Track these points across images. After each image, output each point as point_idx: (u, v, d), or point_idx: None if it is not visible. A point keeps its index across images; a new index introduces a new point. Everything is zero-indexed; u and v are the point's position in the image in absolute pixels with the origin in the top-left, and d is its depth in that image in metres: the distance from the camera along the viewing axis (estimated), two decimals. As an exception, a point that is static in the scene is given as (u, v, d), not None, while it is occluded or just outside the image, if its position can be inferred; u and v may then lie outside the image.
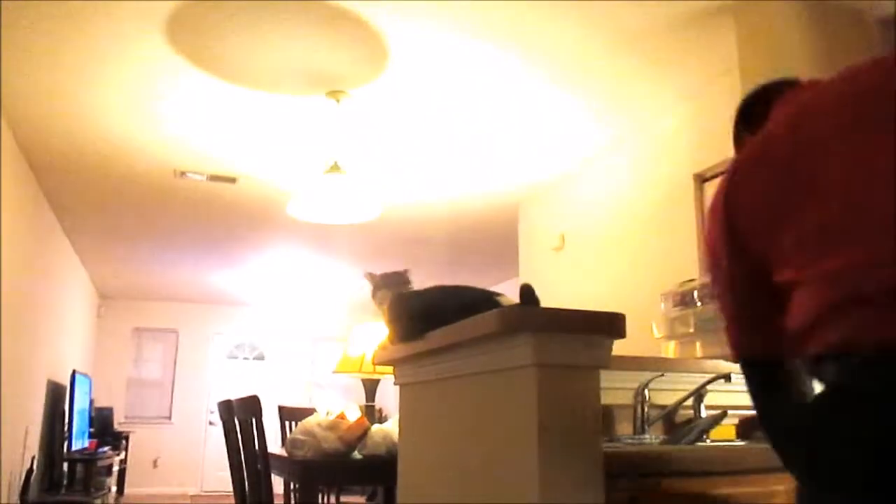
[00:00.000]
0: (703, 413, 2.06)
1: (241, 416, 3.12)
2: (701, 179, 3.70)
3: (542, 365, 1.32)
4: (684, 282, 2.51)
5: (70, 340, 7.63)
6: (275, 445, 3.37)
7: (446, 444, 1.68)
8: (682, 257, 3.72)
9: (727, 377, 1.99)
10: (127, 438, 8.98)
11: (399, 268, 2.04)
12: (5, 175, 4.38)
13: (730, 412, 2.00)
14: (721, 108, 3.55)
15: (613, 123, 4.15)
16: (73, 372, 6.76)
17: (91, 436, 7.56)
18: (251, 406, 2.91)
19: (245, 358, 10.92)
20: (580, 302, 3.96)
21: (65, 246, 6.84)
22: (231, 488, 3.45)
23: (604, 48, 3.32)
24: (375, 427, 2.99)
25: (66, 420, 6.52)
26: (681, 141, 3.84)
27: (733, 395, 2.23)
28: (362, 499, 6.42)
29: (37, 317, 5.78)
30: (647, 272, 4.02)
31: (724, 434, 2.06)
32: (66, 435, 6.43)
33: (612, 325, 1.36)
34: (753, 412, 1.25)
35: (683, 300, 2.46)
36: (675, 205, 3.82)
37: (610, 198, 4.47)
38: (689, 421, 2.07)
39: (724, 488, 1.54)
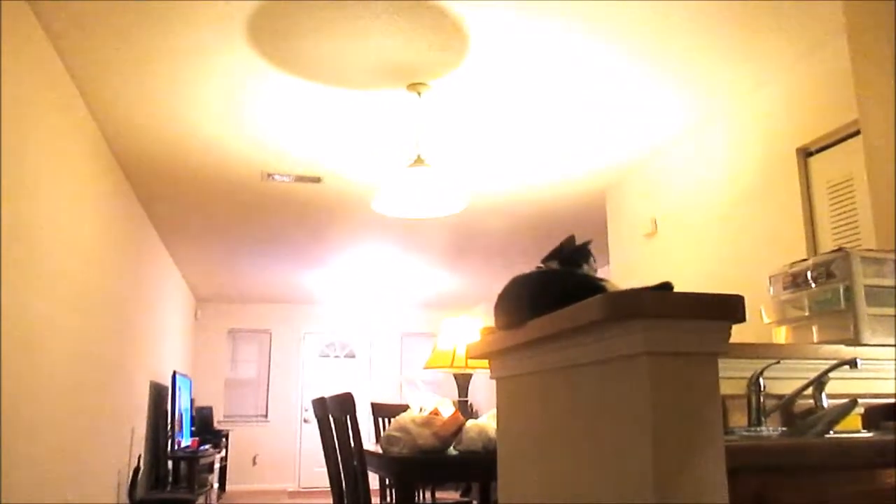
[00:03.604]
0: (825, 402, 1.90)
1: (335, 413, 3.12)
2: (805, 153, 3.48)
3: (655, 353, 1.22)
4: (795, 262, 2.33)
5: (170, 343, 7.91)
6: (368, 442, 3.36)
7: (549, 439, 1.60)
8: (787, 237, 3.51)
9: (853, 363, 1.82)
10: (227, 436, 9.25)
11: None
12: (105, 185, 4.54)
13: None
14: (826, 76, 3.33)
15: (705, 98, 3.95)
16: (174, 373, 6.99)
17: (193, 434, 7.81)
18: (345, 403, 2.90)
19: (336, 356, 11.09)
20: (677, 290, 3.79)
21: (161, 252, 7.08)
22: (328, 484, 3.47)
23: (692, 19, 3.16)
24: (470, 422, 2.94)
25: (169, 420, 6.75)
26: (781, 113, 3.62)
27: (857, 382, 2.06)
28: (456, 494, 6.39)
29: (139, 322, 5.99)
30: (748, 255, 3.82)
31: (849, 424, 1.90)
32: (170, 434, 6.66)
33: (730, 308, 1.25)
34: (882, 400, 1.11)
35: (795, 281, 2.28)
36: (778, 181, 3.61)
37: (704, 178, 4.27)
38: (810, 411, 1.92)
39: (860, 483, 1.40)
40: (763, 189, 3.73)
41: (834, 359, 1.96)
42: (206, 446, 7.49)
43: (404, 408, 3.39)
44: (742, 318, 1.25)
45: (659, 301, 1.23)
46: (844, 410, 1.73)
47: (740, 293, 1.28)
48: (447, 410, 3.02)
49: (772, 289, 2.38)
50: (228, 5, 3.03)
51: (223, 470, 9.18)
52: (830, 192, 3.32)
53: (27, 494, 3.30)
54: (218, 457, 8.31)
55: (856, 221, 3.15)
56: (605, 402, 1.35)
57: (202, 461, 6.89)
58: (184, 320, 9.15)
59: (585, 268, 1.68)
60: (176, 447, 6.67)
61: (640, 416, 1.22)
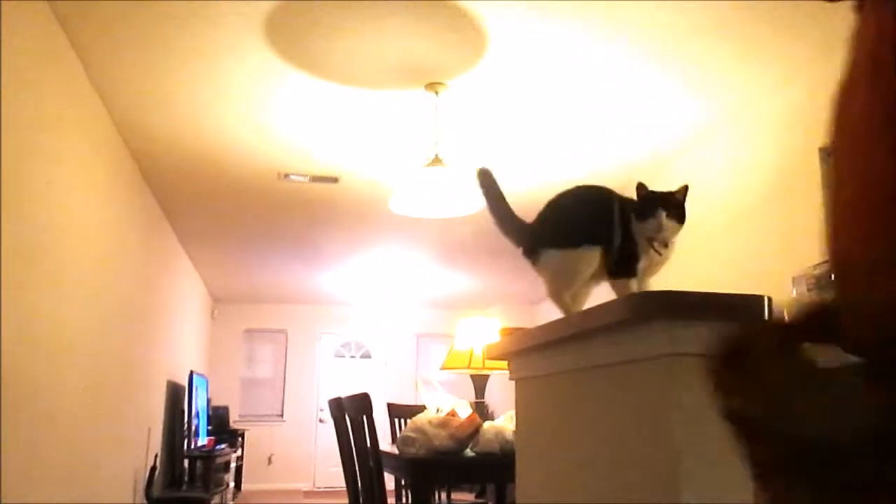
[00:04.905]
0: (851, 406, 1.87)
1: (352, 413, 3.11)
2: (828, 153, 3.43)
3: (679, 354, 1.19)
4: (818, 263, 2.30)
5: (187, 343, 7.94)
6: (384, 443, 3.35)
7: (570, 441, 1.57)
8: (810, 237, 3.46)
9: (879, 366, 1.79)
10: (242, 436, 9.27)
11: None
12: (122, 185, 4.56)
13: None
14: (848, 75, 3.28)
15: (724, 98, 3.91)
16: (191, 373, 7.02)
17: (209, 434, 7.83)
18: (362, 404, 2.89)
19: (352, 356, 11.09)
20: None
21: (179, 251, 7.11)
22: (343, 484, 3.46)
23: (710, 20, 3.12)
24: (487, 424, 2.92)
25: (186, 419, 6.77)
26: (803, 113, 3.57)
27: (883, 385, 2.03)
28: (471, 495, 6.36)
29: (156, 321, 6.02)
30: (770, 255, 3.77)
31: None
32: (186, 433, 6.68)
33: (756, 308, 1.22)
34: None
35: (819, 283, 2.26)
36: (800, 181, 3.55)
37: (725, 177, 4.22)
38: (835, 414, 1.88)
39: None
40: (785, 189, 3.68)
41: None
42: (222, 446, 7.51)
43: (420, 409, 3.38)
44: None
45: (683, 301, 1.21)
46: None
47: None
48: (464, 412, 3.00)
49: (795, 290, 2.35)
50: (247, 5, 3.03)
51: (239, 469, 9.20)
52: (853, 193, 3.27)
53: (44, 493, 3.31)
54: (234, 456, 8.34)
55: (880, 222, 3.10)
56: (627, 403, 1.32)
57: (218, 460, 6.90)
58: (201, 320, 9.19)
59: (651, 221, 1.66)
60: (192, 446, 6.69)
61: (663, 418, 1.20)
